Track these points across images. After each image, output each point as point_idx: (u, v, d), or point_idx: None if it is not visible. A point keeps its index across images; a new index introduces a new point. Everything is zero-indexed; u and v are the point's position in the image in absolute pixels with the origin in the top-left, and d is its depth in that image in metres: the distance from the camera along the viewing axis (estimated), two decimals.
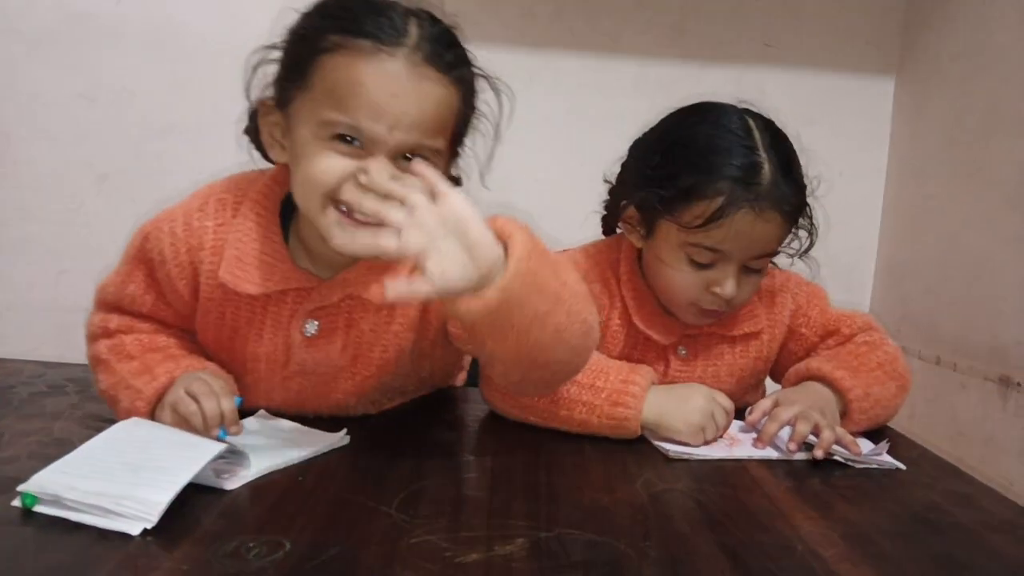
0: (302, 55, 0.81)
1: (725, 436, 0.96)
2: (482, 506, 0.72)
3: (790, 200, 0.96)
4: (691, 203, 0.96)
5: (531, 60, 1.79)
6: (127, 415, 0.82)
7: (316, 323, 0.89)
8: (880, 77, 1.88)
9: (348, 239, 0.79)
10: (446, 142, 0.84)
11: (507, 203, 1.76)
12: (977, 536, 0.73)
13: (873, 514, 0.77)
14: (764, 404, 0.98)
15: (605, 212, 1.13)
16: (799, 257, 1.05)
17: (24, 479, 0.66)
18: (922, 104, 1.83)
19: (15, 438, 0.83)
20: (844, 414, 0.99)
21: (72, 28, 1.68)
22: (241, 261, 0.86)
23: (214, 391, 0.81)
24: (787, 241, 1.03)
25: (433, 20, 0.82)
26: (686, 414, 0.93)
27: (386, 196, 0.73)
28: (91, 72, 1.69)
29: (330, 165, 0.79)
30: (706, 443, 0.93)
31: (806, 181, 1.00)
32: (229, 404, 0.80)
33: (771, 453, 0.92)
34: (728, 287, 0.98)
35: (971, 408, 1.60)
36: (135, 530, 0.62)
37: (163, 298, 0.91)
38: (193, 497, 0.68)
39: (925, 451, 0.98)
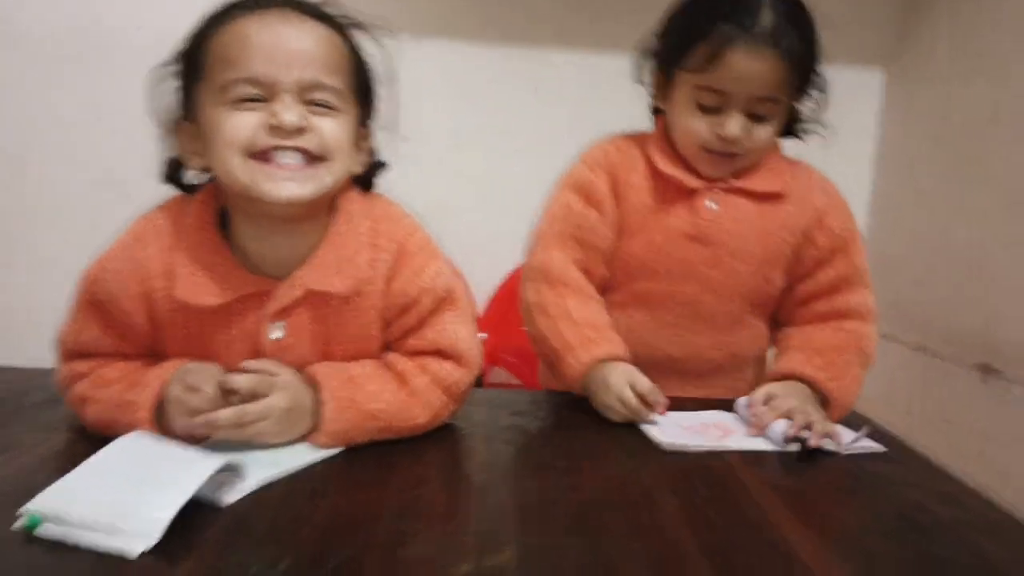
0: (194, 53, 0.87)
1: (718, 427, 0.98)
2: (474, 514, 0.74)
3: (789, 40, 1.02)
4: (692, 47, 1.04)
5: (532, 60, 1.80)
6: (127, 431, 0.82)
7: (281, 325, 0.90)
8: (870, 68, 1.89)
9: (278, 187, 0.83)
10: (347, 87, 0.87)
11: (517, 203, 1.78)
12: (960, 535, 0.75)
13: (859, 513, 0.79)
14: (757, 396, 1.02)
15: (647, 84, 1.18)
16: (812, 119, 1.14)
17: (21, 498, 0.68)
18: (913, 97, 1.84)
19: (11, 454, 0.84)
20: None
21: (94, 50, 1.68)
22: (195, 276, 0.87)
23: (212, 375, 0.83)
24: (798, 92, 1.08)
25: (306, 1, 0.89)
26: (598, 395, 1.02)
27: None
28: (104, 92, 1.69)
29: (241, 120, 0.83)
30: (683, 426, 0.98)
31: (817, 37, 1.06)
32: (226, 376, 0.83)
33: (762, 444, 0.94)
34: (730, 126, 1.05)
35: (955, 396, 1.63)
36: (138, 547, 0.63)
37: (123, 336, 0.91)
38: (193, 511, 0.69)
39: (909, 449, 1.00)
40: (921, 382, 1.72)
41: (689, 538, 0.71)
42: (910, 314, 1.80)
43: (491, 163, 1.84)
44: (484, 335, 1.06)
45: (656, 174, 1.13)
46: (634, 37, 1.76)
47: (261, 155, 0.83)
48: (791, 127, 1.15)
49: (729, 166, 1.11)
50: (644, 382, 1.01)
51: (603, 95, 1.79)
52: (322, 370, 0.88)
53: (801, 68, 1.06)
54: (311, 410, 0.87)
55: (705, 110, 1.06)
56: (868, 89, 1.91)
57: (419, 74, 1.74)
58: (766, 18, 1.02)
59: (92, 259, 0.93)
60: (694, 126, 1.08)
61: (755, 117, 1.06)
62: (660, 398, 1.00)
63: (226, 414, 0.81)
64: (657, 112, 1.19)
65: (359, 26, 0.92)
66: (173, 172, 0.93)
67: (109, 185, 1.73)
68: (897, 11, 1.87)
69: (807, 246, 1.14)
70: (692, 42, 1.04)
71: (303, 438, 0.87)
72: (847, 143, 1.88)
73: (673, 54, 1.08)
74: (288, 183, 0.83)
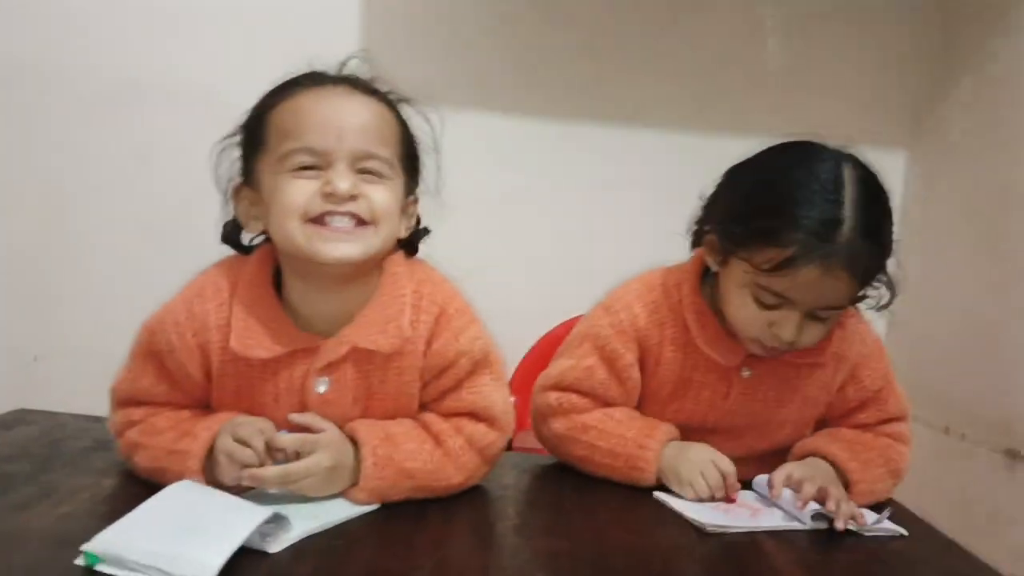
0: (256, 125, 0.94)
1: (747, 507, 1.01)
2: (502, 574, 0.77)
3: (865, 262, 0.97)
4: (763, 246, 0.97)
5: (557, 129, 1.87)
6: (177, 479, 0.86)
7: (327, 380, 0.94)
8: (892, 150, 1.94)
9: (331, 248, 0.88)
10: (396, 157, 0.93)
11: (541, 264, 1.84)
12: None
13: None
14: (779, 476, 1.01)
15: (695, 227, 1.13)
16: (875, 311, 1.08)
17: (81, 536, 0.72)
18: (935, 177, 1.89)
19: (71, 494, 0.89)
20: None
21: (127, 93, 1.79)
22: (249, 330, 0.93)
23: (260, 429, 0.88)
24: (862, 294, 1.04)
25: (358, 76, 0.96)
26: (678, 469, 1.02)
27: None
28: (143, 133, 1.79)
29: (298, 188, 0.89)
30: (700, 500, 1.00)
31: (892, 239, 1.01)
32: (275, 435, 0.88)
33: (794, 524, 0.96)
34: (787, 333, 1.00)
35: (978, 479, 1.63)
36: None
37: (177, 386, 0.96)
38: (238, 559, 0.72)
39: (930, 528, 1.02)
40: (944, 464, 1.72)
41: None
42: (934, 396, 1.81)
43: (520, 227, 1.90)
44: (514, 398, 1.08)
45: (691, 345, 1.08)
46: (651, 110, 1.86)
47: (316, 219, 0.89)
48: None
49: (778, 354, 1.06)
50: (727, 462, 1.01)
51: (626, 163, 1.88)
52: (362, 428, 0.93)
53: (872, 279, 1.02)
54: (352, 467, 0.91)
55: (762, 304, 1.01)
56: (891, 170, 1.93)
57: (454, 143, 1.83)
58: (846, 234, 0.94)
59: (152, 311, 0.98)
60: (749, 318, 1.02)
61: (814, 317, 1.01)
62: (735, 483, 1.01)
63: (273, 471, 0.86)
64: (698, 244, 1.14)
65: (406, 101, 0.99)
66: (231, 234, 1.00)
67: (151, 223, 1.83)
68: (917, 91, 1.94)
69: (838, 397, 1.13)
70: (762, 242, 0.97)
71: (343, 493, 0.91)
72: None
73: (737, 242, 1.01)
74: (340, 244, 0.89)
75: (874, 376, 1.12)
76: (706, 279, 1.10)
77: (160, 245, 1.80)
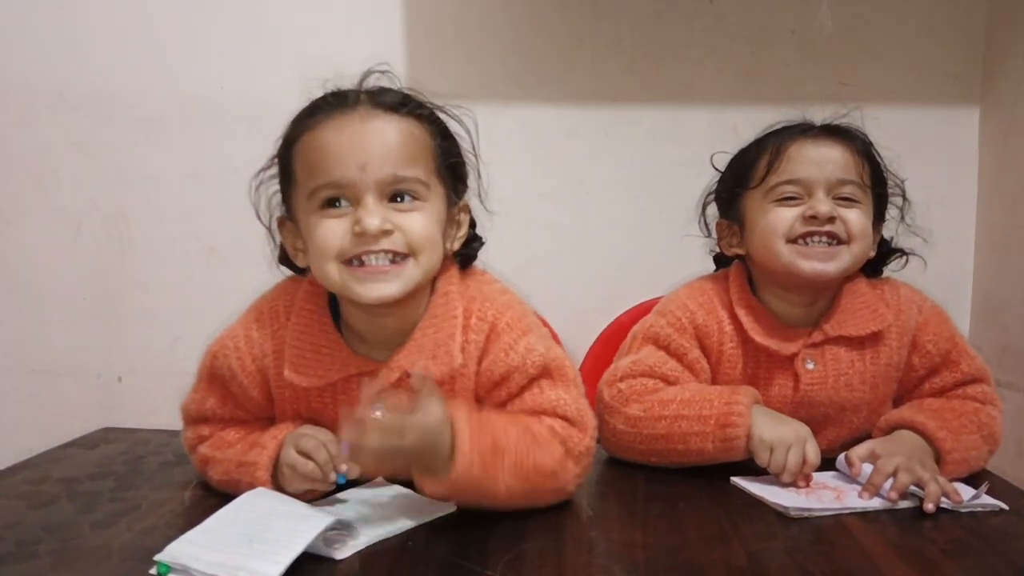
0: (285, 158, 0.91)
1: (830, 489, 0.96)
2: (582, 569, 0.75)
3: (847, 132, 1.08)
4: (754, 167, 1.08)
5: (605, 115, 1.83)
6: (249, 489, 0.87)
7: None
8: (963, 107, 1.84)
9: (367, 289, 0.86)
10: (429, 173, 0.89)
11: (591, 251, 1.81)
12: None
13: (976, 570, 0.76)
14: (860, 451, 0.98)
15: (713, 250, 1.22)
16: (901, 221, 1.13)
17: (160, 549, 0.73)
18: (1009, 132, 1.78)
19: (152, 508, 0.91)
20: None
21: (180, 113, 1.83)
22: (302, 357, 0.92)
23: (322, 442, 0.87)
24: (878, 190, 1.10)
25: (383, 89, 0.91)
26: (774, 431, 0.96)
27: None
28: (198, 153, 1.83)
29: (328, 228, 0.86)
30: (786, 486, 0.95)
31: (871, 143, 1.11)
32: (338, 450, 0.87)
33: (877, 503, 0.91)
34: (821, 205, 1.03)
35: None
36: None
37: (241, 407, 0.98)
38: (308, 565, 0.73)
39: None
40: None
41: None
42: (1022, 358, 1.71)
43: (575, 218, 1.87)
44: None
45: (748, 340, 1.09)
46: (700, 87, 1.81)
47: (353, 259, 0.86)
48: (888, 251, 1.15)
49: (829, 259, 1.04)
50: (816, 452, 0.96)
51: (679, 144, 1.83)
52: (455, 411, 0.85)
53: (866, 156, 1.08)
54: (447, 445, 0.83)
55: (788, 201, 1.06)
56: (965, 129, 1.86)
57: (504, 137, 1.82)
58: (816, 125, 1.09)
59: (219, 329, 1.00)
60: (783, 219, 1.05)
61: (842, 200, 1.05)
62: (811, 473, 0.97)
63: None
64: (721, 262, 1.20)
65: (440, 109, 0.94)
66: (286, 256, 0.98)
67: (212, 243, 1.86)
68: (984, 43, 1.84)
69: (907, 371, 1.12)
70: (753, 164, 1.09)
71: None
72: (948, 186, 1.84)
73: (733, 190, 1.12)
74: (377, 284, 0.86)
75: (937, 340, 1.10)
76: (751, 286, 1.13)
77: (223, 264, 1.84)
